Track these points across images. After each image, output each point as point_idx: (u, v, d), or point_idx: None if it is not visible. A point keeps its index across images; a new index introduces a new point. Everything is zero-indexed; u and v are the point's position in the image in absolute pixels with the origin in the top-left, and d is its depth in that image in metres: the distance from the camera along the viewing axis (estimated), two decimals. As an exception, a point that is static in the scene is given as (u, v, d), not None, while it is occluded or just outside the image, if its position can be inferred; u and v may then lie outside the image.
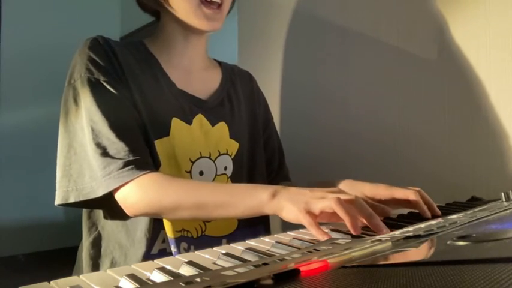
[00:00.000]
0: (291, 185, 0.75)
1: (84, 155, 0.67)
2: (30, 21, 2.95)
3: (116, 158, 0.64)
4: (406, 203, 0.65)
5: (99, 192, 0.64)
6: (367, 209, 0.52)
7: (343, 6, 1.14)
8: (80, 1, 3.16)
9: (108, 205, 0.68)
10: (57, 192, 0.68)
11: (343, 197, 0.53)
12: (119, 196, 0.65)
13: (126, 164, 0.64)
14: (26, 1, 2.95)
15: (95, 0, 3.23)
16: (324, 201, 0.52)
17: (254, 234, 0.57)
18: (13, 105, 2.86)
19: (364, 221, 0.52)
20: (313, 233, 0.51)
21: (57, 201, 0.68)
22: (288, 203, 0.54)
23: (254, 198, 0.58)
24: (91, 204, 0.68)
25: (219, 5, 0.75)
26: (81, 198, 0.66)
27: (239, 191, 0.61)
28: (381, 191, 0.68)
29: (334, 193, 0.54)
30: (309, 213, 0.52)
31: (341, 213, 0.50)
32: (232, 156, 0.83)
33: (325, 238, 0.49)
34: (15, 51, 2.89)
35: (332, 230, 0.54)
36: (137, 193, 0.63)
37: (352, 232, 0.50)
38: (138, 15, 0.93)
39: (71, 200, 0.67)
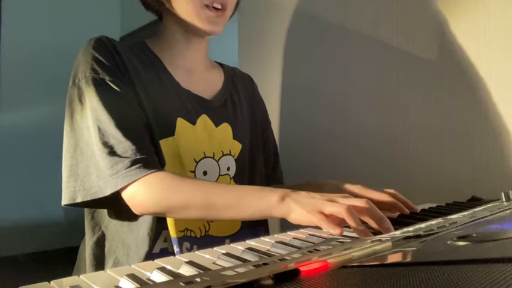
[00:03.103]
0: (295, 188, 0.75)
1: (90, 154, 0.67)
2: (29, 21, 2.95)
3: (123, 157, 0.64)
4: (381, 204, 0.64)
5: (107, 191, 0.64)
6: (378, 213, 0.52)
7: (343, 8, 1.14)
8: (79, 1, 3.16)
9: (114, 204, 0.68)
10: (63, 193, 0.68)
11: (353, 202, 0.53)
12: (126, 195, 0.65)
13: (134, 163, 0.64)
14: (25, 1, 2.95)
15: (95, 0, 3.23)
16: (334, 205, 0.52)
17: (256, 235, 0.57)
18: (13, 106, 2.86)
19: (375, 225, 0.52)
20: (325, 227, 0.51)
21: (64, 201, 0.67)
22: (297, 206, 0.54)
23: (263, 201, 0.58)
24: (98, 203, 0.68)
25: (223, 9, 0.75)
26: (89, 198, 0.65)
27: (248, 193, 0.61)
28: (357, 191, 0.68)
29: (345, 198, 0.54)
30: (319, 212, 0.52)
31: (351, 222, 0.50)
32: (235, 157, 0.83)
33: (338, 232, 0.49)
34: (15, 51, 2.89)
35: None
36: (145, 192, 0.63)
37: None
38: (138, 15, 0.93)
39: (79, 199, 0.66)
